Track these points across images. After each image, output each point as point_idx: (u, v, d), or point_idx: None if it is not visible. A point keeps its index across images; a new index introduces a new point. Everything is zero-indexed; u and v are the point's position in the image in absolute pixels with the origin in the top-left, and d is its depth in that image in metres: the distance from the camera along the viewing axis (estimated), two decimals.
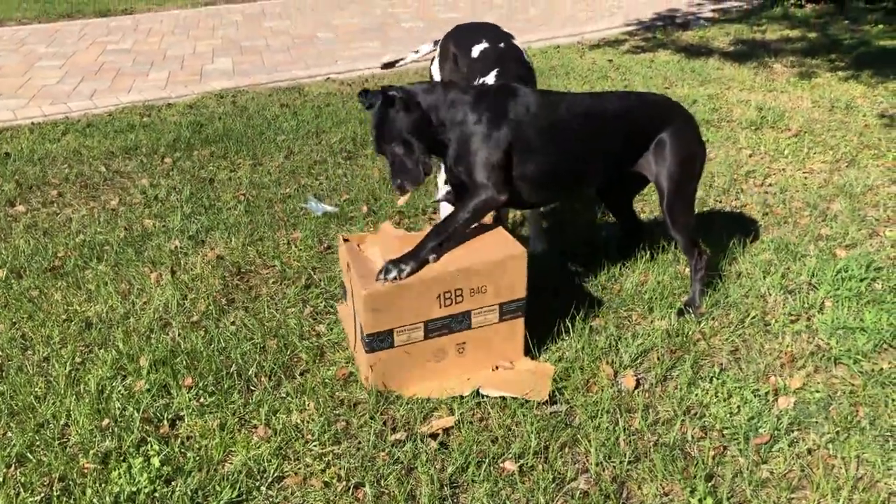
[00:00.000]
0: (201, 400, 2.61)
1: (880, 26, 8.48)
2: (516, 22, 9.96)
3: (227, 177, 4.61)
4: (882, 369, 2.72)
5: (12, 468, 2.31)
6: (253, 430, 2.47)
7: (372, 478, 2.26)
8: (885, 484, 2.22)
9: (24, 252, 3.69)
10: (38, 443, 2.41)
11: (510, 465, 2.30)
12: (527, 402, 2.55)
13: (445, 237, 2.61)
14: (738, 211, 4.10)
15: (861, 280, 3.26)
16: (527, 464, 2.31)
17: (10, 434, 2.46)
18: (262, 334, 2.97)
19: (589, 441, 2.39)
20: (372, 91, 2.68)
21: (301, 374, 2.76)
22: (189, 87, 6.82)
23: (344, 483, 2.24)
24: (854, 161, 4.73)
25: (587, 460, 2.34)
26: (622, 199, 3.45)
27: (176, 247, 3.71)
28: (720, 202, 4.24)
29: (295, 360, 2.85)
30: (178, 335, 2.98)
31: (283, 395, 2.63)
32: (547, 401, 2.56)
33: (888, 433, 2.42)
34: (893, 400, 2.56)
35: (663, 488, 2.22)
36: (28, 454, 2.36)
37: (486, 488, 2.21)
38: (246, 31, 9.78)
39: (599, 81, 6.62)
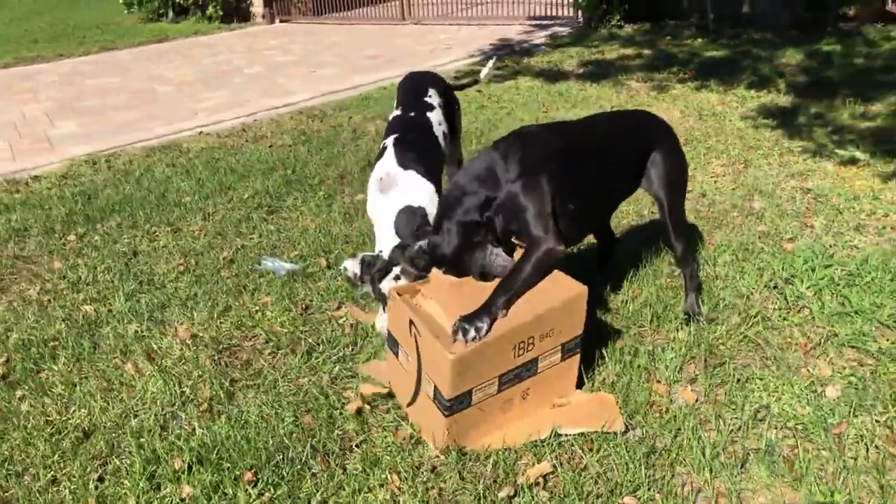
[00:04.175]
0: (267, 495, 2.34)
1: (699, 40, 9.33)
2: (359, 61, 9.96)
3: (150, 248, 4.20)
4: (884, 348, 2.95)
5: None
6: None
7: None
8: None
9: None
10: None
11: (630, 500, 2.26)
12: (605, 433, 2.52)
13: (514, 294, 2.52)
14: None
15: (826, 268, 3.54)
16: (644, 495, 2.27)
17: None
18: (293, 411, 2.72)
19: (687, 461, 2.40)
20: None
21: (358, 446, 2.55)
22: (43, 156, 6.17)
23: None
24: (748, 162, 5.14)
25: (692, 480, 2.34)
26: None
27: (136, 331, 3.32)
28: (653, 213, 4.43)
29: (342, 432, 2.63)
30: (198, 427, 2.66)
31: (356, 473, 2.42)
32: (624, 429, 2.55)
33: None
34: None
35: (779, 493, 2.27)
36: None
37: None
38: (71, 91, 9.03)
39: (479, 111, 6.74)
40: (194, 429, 2.66)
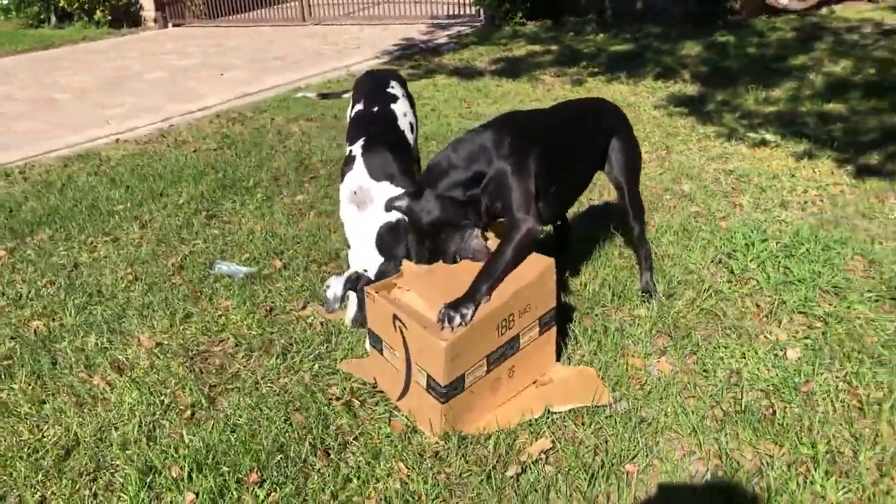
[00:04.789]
0: (274, 495, 2.31)
1: (601, 35, 9.67)
2: (267, 62, 9.80)
3: (90, 259, 4.03)
4: (829, 311, 3.18)
5: None
6: None
7: None
8: None
9: None
10: None
11: (631, 467, 2.36)
12: (594, 407, 2.62)
13: (497, 279, 2.57)
14: (613, 204, 4.47)
15: (762, 242, 3.77)
16: (642, 462, 2.38)
17: None
18: (283, 411, 2.69)
19: (674, 427, 2.53)
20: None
21: (356, 440, 2.56)
22: None
23: None
24: (670, 148, 5.40)
25: (683, 444, 2.47)
26: None
27: (96, 343, 3.19)
28: (592, 200, 4.60)
29: (336, 427, 2.62)
30: (185, 433, 2.59)
31: (360, 465, 2.43)
32: (612, 402, 2.66)
33: (876, 355, 2.84)
34: (859, 332, 3.01)
35: (764, 450, 2.42)
36: None
37: (627, 491, 2.25)
38: None
39: None
40: (182, 436, 2.59)
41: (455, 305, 2.44)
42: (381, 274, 2.90)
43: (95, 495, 2.36)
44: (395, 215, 2.96)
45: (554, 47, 9.19)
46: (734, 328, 3.10)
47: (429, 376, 2.46)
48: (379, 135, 3.28)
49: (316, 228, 4.27)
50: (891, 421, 2.48)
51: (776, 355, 2.90)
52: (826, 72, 7.10)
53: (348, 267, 3.13)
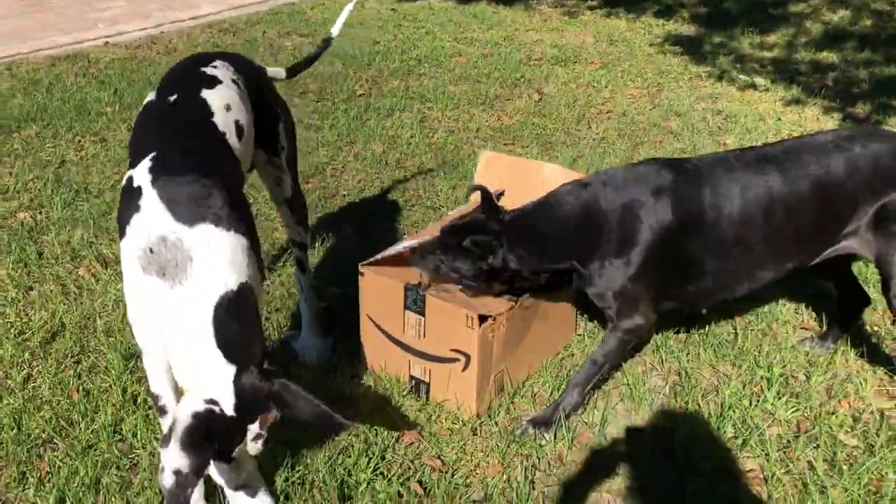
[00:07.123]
0: None
1: None
2: None
3: (77, 157, 4.05)
4: None
5: None
6: None
7: None
8: None
9: None
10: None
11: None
12: None
13: (592, 385, 2.34)
14: (601, 137, 4.52)
15: None
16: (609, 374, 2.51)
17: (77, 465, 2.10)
18: (287, 315, 2.79)
19: (638, 346, 2.65)
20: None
21: None
22: None
23: None
24: (661, 85, 5.42)
25: (646, 361, 2.59)
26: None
27: (82, 237, 3.25)
28: (580, 131, 4.64)
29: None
30: None
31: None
32: None
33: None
34: None
35: (722, 370, 2.54)
36: None
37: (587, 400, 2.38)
38: None
39: (397, 29, 6.73)
40: None
41: (536, 421, 2.29)
42: (244, 401, 1.64)
43: (79, 376, 2.45)
44: (234, 278, 1.70)
45: None
46: None
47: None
48: (179, 144, 1.89)
49: (303, 142, 4.29)
50: (843, 350, 2.60)
51: None
52: (824, 20, 7.08)
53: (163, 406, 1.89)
